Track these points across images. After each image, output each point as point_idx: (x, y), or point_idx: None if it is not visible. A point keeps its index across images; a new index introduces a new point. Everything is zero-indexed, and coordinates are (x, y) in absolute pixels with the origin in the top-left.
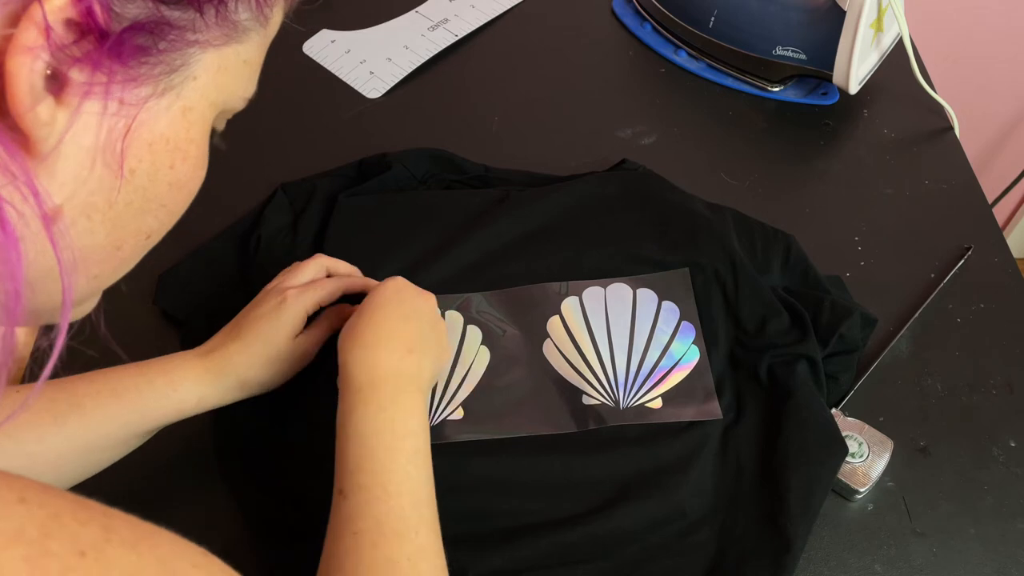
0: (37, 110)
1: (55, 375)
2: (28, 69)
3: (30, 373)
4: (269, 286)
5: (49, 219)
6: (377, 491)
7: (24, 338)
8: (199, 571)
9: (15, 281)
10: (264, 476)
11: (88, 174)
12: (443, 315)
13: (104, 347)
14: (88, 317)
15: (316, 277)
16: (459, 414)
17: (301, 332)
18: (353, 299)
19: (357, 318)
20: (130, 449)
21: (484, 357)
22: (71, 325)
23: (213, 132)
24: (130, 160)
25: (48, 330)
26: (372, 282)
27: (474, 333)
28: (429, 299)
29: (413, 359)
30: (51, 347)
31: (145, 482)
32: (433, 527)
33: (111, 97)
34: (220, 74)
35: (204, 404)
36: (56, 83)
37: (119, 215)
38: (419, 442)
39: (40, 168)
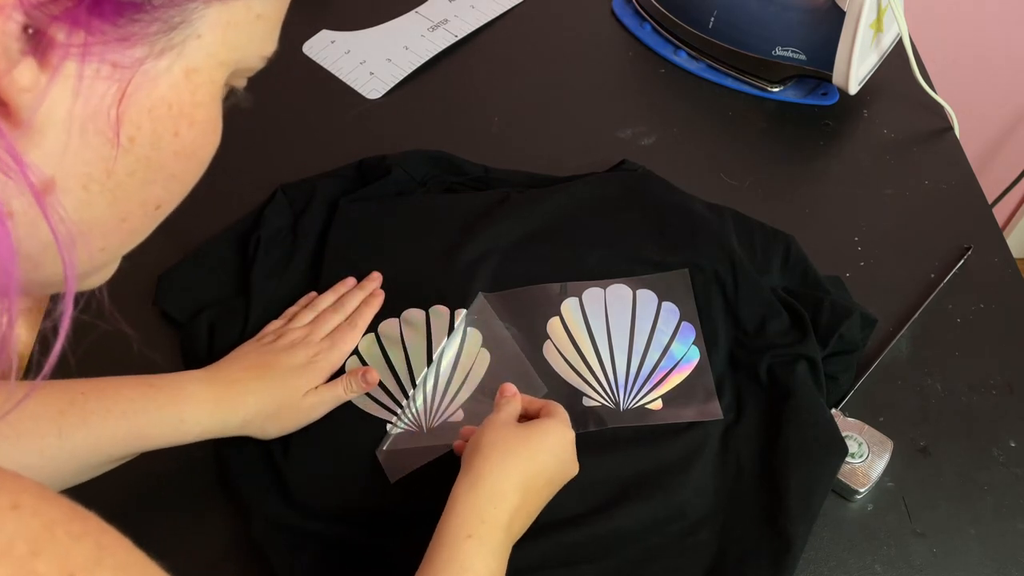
0: (14, 74)
1: (63, 357)
2: (0, 31)
3: (36, 367)
4: (294, 325)
5: (39, 192)
6: None
7: (25, 336)
8: None
9: (3, 260)
10: (263, 478)
11: (80, 143)
12: (452, 314)
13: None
14: (93, 293)
15: (341, 321)
16: (459, 416)
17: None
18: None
19: (525, 443)
20: (122, 462)
21: (484, 359)
22: (78, 298)
23: (233, 91)
24: (128, 127)
25: (53, 310)
26: (374, 304)
27: (474, 335)
28: (574, 472)
29: (527, 523)
30: (57, 328)
31: (143, 484)
32: None
33: (101, 59)
34: (229, 31)
35: (205, 435)
36: (37, 45)
37: (120, 186)
38: None
39: (26, 138)
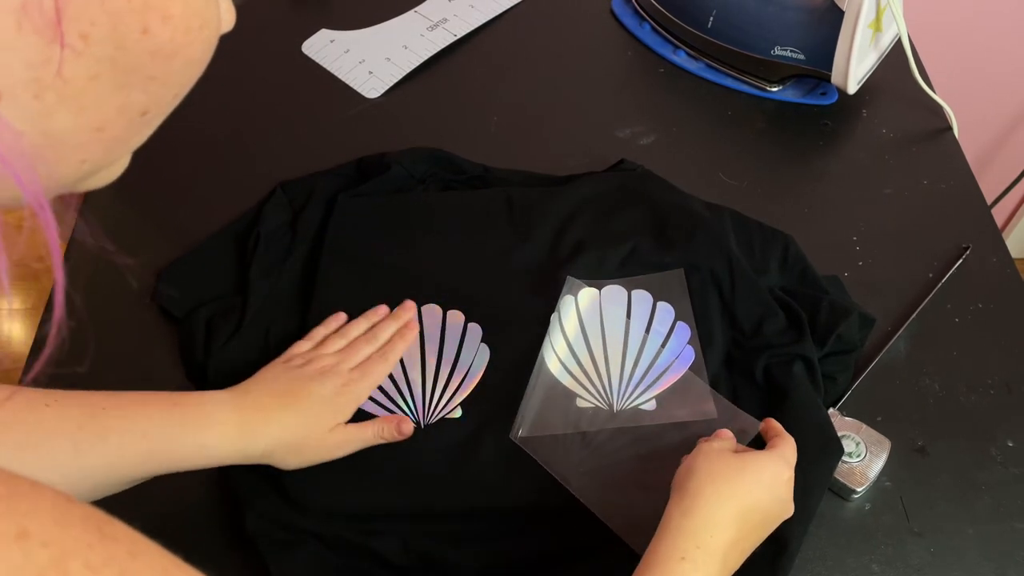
0: None
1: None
2: None
3: (29, 366)
4: (324, 351)
5: None
6: None
7: (24, 335)
8: None
9: None
10: (260, 476)
11: (16, 40)
12: (444, 314)
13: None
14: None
15: (372, 351)
16: (457, 413)
17: (340, 423)
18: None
19: (744, 479)
20: (137, 483)
21: (484, 355)
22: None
23: None
24: (79, 23)
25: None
26: (411, 336)
27: (474, 330)
28: (790, 512)
29: (742, 559)
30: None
31: (139, 485)
32: None
33: None
34: None
35: (225, 462)
36: None
37: (83, 91)
38: None
39: None
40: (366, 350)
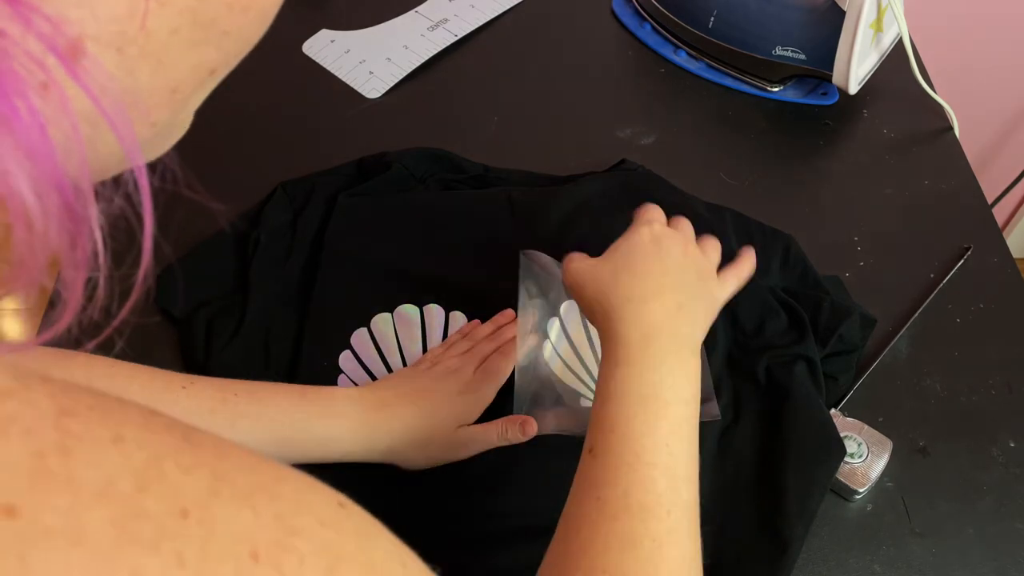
0: None
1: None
2: None
3: None
4: (452, 353)
5: (70, 55)
6: (629, 458)
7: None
8: (328, 530)
9: (68, 138)
10: None
11: None
12: (447, 315)
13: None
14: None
15: (493, 350)
16: None
17: (466, 424)
18: None
19: (619, 271)
20: None
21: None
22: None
23: None
24: None
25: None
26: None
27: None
28: (678, 238)
29: (685, 316)
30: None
31: None
32: (689, 510)
33: None
34: None
35: (346, 458)
36: None
37: (164, 47)
38: (687, 411)
39: None
40: (488, 349)
